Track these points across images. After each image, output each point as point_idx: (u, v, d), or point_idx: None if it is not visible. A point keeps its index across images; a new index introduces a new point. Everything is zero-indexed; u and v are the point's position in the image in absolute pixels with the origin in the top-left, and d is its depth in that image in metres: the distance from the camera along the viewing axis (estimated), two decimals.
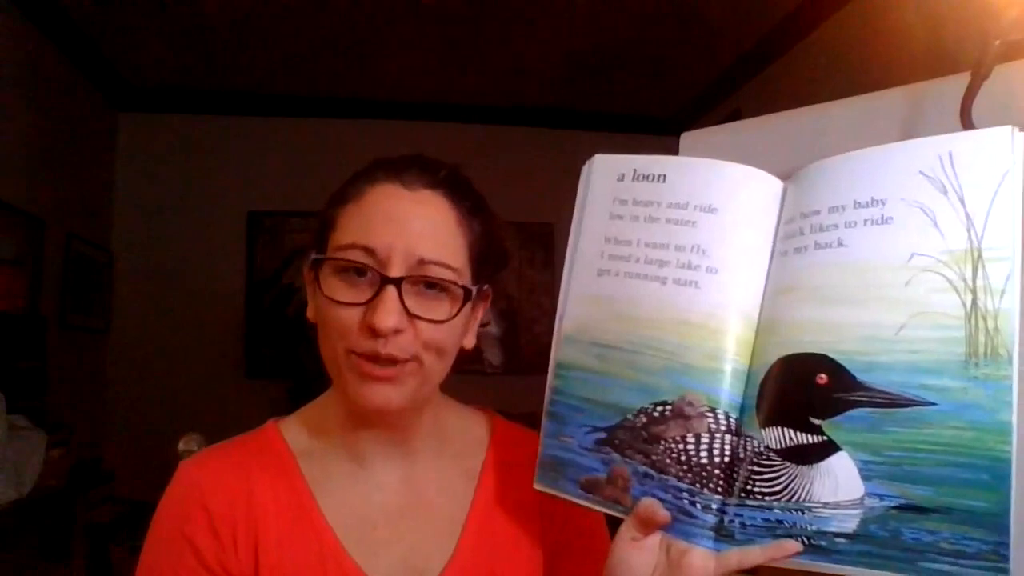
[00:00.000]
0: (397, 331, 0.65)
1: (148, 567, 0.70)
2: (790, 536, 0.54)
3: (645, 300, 0.62)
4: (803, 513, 0.54)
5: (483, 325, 0.77)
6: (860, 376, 0.52)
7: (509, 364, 3.87)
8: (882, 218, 0.54)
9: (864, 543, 0.51)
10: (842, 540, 0.52)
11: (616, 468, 0.62)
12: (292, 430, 0.77)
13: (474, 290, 0.71)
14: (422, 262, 0.67)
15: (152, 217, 3.68)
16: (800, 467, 0.54)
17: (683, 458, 0.59)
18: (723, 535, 0.57)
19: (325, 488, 0.73)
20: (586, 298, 0.67)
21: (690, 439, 0.59)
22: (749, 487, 0.56)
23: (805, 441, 0.54)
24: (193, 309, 3.62)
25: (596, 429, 0.64)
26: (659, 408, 0.60)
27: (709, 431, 0.58)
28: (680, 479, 0.59)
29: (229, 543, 0.68)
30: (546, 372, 0.69)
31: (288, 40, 3.18)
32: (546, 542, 0.77)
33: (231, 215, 3.74)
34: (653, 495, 0.60)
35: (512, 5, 2.89)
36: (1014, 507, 0.46)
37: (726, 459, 0.58)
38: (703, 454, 0.58)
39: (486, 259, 0.73)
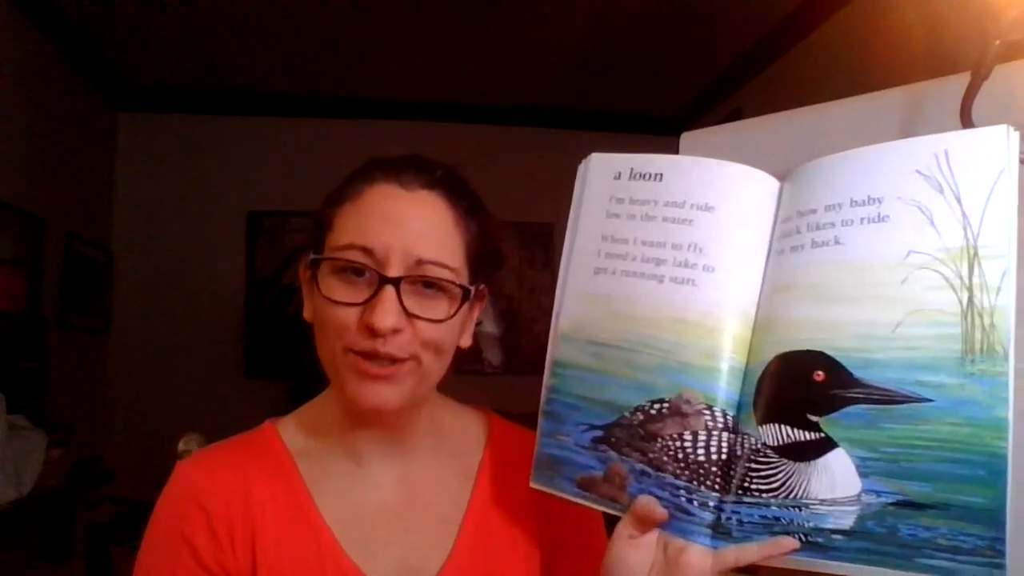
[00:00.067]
0: (396, 331, 0.65)
1: (146, 568, 0.70)
2: (787, 533, 0.54)
3: (642, 298, 0.62)
4: (800, 510, 0.54)
5: (476, 324, 0.77)
6: (857, 373, 0.52)
7: (509, 364, 3.87)
8: (878, 216, 0.54)
9: (861, 539, 0.51)
10: (839, 537, 0.52)
11: (613, 466, 0.62)
12: (289, 430, 0.77)
13: (472, 290, 0.71)
14: (420, 262, 0.67)
15: (152, 217, 3.68)
16: (797, 464, 0.54)
17: (680, 456, 0.59)
18: (720, 532, 0.57)
19: (322, 488, 0.73)
20: (583, 296, 0.67)
21: (687, 437, 0.59)
22: (746, 484, 0.56)
23: (802, 438, 0.54)
24: (193, 309, 3.62)
25: (593, 427, 0.64)
26: (656, 406, 0.60)
27: (706, 428, 0.58)
28: (677, 476, 0.59)
29: (226, 542, 0.68)
30: None
31: (288, 40, 3.18)
32: (543, 541, 0.77)
33: (231, 215, 3.74)
34: (650, 493, 0.60)
35: (512, 5, 2.89)
36: (1010, 503, 0.47)
37: (723, 456, 0.58)
38: (700, 451, 0.58)
39: (483, 259, 0.74)
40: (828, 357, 0.54)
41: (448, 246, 0.69)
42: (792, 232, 0.58)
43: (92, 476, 2.84)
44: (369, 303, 0.66)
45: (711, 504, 0.58)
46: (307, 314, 0.72)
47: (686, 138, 0.93)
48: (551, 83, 3.62)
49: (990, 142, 0.51)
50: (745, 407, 0.58)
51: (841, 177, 0.56)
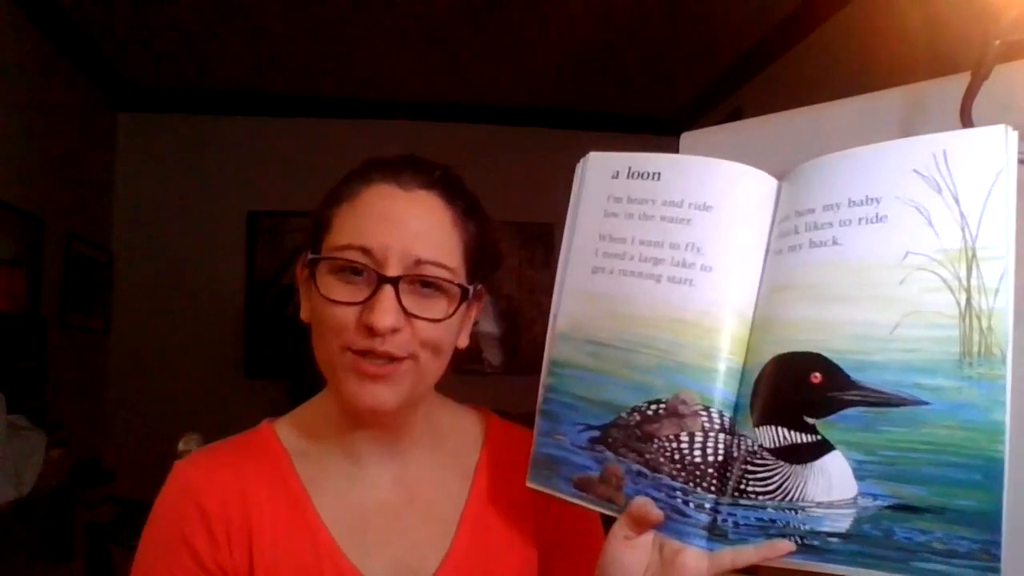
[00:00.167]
0: (395, 330, 0.66)
1: (144, 569, 0.70)
2: (783, 536, 0.54)
3: (640, 298, 0.62)
4: (796, 512, 0.53)
5: (473, 324, 0.77)
6: (854, 375, 0.52)
7: (509, 364, 3.87)
8: (877, 216, 0.53)
9: (857, 543, 0.51)
10: (835, 540, 0.51)
11: (609, 466, 0.62)
12: (287, 430, 0.77)
13: (470, 289, 0.71)
14: (419, 262, 0.67)
15: (152, 217, 3.68)
16: (794, 466, 0.54)
17: (676, 457, 0.59)
18: (716, 534, 0.57)
19: (320, 487, 0.73)
20: (580, 295, 0.66)
21: (684, 438, 0.58)
22: (743, 486, 0.56)
23: (799, 440, 0.54)
24: (193, 309, 3.62)
25: (590, 427, 0.64)
26: (653, 406, 0.60)
27: (703, 430, 0.58)
28: (673, 478, 0.58)
29: (224, 541, 0.68)
30: None
31: (288, 40, 3.18)
32: (540, 540, 0.77)
33: (231, 215, 3.74)
34: (646, 494, 0.59)
35: (512, 5, 2.89)
36: (1006, 506, 0.46)
37: (720, 458, 0.57)
38: (696, 453, 0.58)
39: (481, 259, 0.74)
40: (825, 359, 0.53)
41: (446, 246, 0.69)
42: (790, 232, 0.58)
43: (92, 476, 2.84)
44: (368, 303, 0.66)
45: (707, 506, 0.57)
46: (304, 315, 0.72)
47: (686, 138, 0.93)
48: (551, 83, 3.62)
49: (988, 142, 0.50)
50: (742, 408, 0.57)
51: (839, 177, 0.56)
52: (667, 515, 0.58)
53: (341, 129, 3.62)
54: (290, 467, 0.73)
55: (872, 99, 0.81)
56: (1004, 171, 0.49)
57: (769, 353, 0.56)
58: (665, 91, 3.67)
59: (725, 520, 0.56)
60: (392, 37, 3.16)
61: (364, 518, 0.73)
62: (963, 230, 0.50)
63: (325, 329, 0.68)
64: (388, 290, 0.66)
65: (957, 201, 0.50)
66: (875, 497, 0.50)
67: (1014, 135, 0.50)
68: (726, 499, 0.57)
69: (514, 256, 3.81)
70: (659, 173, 0.64)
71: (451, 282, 0.69)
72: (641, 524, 0.59)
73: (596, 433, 0.63)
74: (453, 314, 0.69)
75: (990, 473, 0.47)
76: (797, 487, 0.54)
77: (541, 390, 0.68)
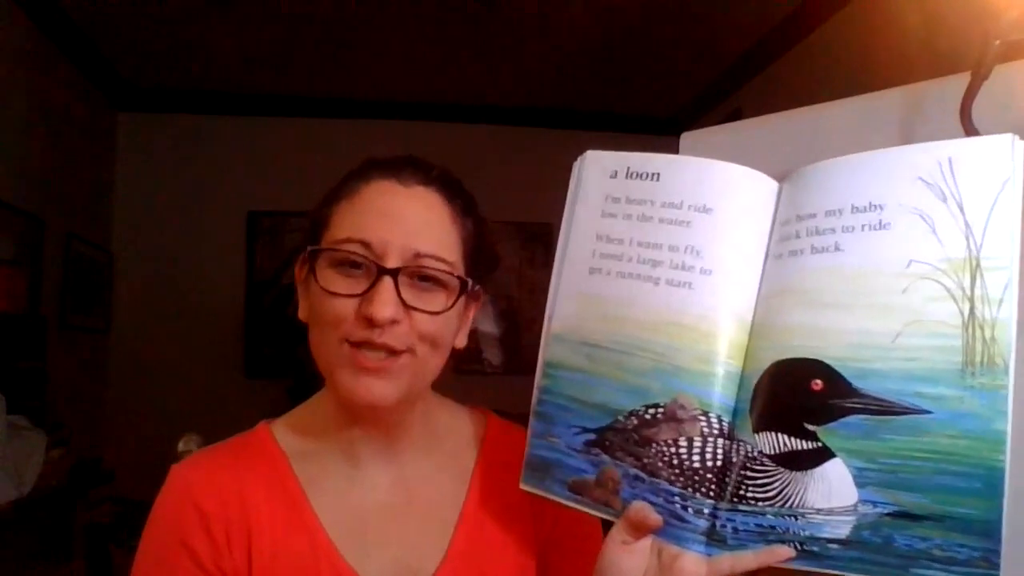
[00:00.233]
0: (394, 322, 0.66)
1: (144, 571, 0.69)
2: (783, 542, 0.53)
3: (637, 300, 0.61)
4: (796, 519, 0.53)
5: (473, 324, 0.77)
6: (855, 383, 0.52)
7: (509, 364, 3.86)
8: (880, 223, 0.53)
9: (857, 549, 0.50)
10: (835, 546, 0.51)
11: (606, 470, 0.61)
12: (284, 431, 0.77)
13: (469, 282, 0.71)
14: (418, 255, 0.67)
15: (152, 217, 3.68)
16: (794, 473, 0.54)
17: (675, 461, 0.58)
18: (715, 540, 0.56)
19: (318, 488, 0.73)
20: (576, 296, 0.66)
21: (682, 442, 0.58)
22: (742, 492, 0.56)
23: (799, 447, 0.54)
24: (193, 309, 3.62)
25: (585, 430, 0.63)
26: (651, 410, 0.60)
27: (701, 435, 0.57)
28: (672, 483, 0.58)
29: (222, 542, 0.68)
30: None
31: (287, 40, 3.18)
32: (538, 542, 0.77)
33: (231, 215, 3.74)
34: (643, 498, 0.59)
35: (512, 5, 2.88)
36: (1006, 515, 0.46)
37: (718, 463, 0.57)
38: (695, 458, 0.57)
39: (479, 257, 0.74)
40: (826, 366, 0.53)
41: (445, 241, 0.70)
42: (791, 236, 0.57)
43: (92, 476, 2.84)
44: (367, 295, 0.66)
45: (706, 511, 0.57)
46: (302, 313, 0.72)
47: (686, 138, 0.92)
48: (551, 83, 3.61)
49: (995, 151, 0.50)
50: (741, 413, 0.57)
51: (842, 182, 0.56)
52: (665, 520, 0.58)
53: (341, 129, 3.62)
54: (288, 468, 0.73)
55: (872, 99, 0.81)
56: (1010, 180, 0.49)
57: (768, 358, 0.56)
58: (665, 91, 3.67)
59: (724, 526, 0.56)
60: (391, 37, 3.16)
61: (362, 519, 0.72)
62: (968, 239, 0.49)
63: (324, 322, 0.68)
64: (387, 281, 0.66)
65: (962, 210, 0.50)
66: (875, 504, 0.50)
67: (1021, 144, 0.49)
68: (725, 504, 0.56)
69: (514, 256, 3.81)
70: (658, 174, 0.63)
71: (450, 274, 0.69)
72: (639, 529, 0.59)
73: (591, 436, 0.63)
74: (452, 307, 0.69)
75: (991, 482, 0.46)
76: (797, 493, 0.53)
77: (535, 391, 0.68)
